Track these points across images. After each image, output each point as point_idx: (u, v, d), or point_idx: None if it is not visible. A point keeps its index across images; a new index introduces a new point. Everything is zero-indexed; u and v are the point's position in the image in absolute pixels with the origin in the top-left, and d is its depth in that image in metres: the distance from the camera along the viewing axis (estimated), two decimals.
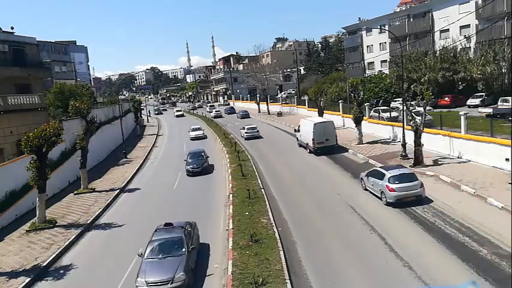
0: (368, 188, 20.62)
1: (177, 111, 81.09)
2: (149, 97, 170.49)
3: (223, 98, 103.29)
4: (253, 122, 51.55)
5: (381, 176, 19.39)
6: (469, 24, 47.76)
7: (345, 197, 20.59)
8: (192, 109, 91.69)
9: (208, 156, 31.11)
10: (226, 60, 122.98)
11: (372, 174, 20.44)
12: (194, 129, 47.82)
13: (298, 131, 34.75)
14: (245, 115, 62.26)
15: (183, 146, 42.34)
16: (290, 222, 18.10)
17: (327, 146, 30.30)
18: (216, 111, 71.19)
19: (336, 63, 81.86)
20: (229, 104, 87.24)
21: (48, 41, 57.99)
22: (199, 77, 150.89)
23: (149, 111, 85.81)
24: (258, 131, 43.02)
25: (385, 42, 61.90)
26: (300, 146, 34.11)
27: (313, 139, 30.34)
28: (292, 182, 24.74)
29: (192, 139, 45.67)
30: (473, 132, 23.79)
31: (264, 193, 22.06)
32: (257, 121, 55.91)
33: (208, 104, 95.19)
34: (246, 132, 42.73)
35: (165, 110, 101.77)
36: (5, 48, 33.32)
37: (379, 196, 19.34)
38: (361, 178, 21.64)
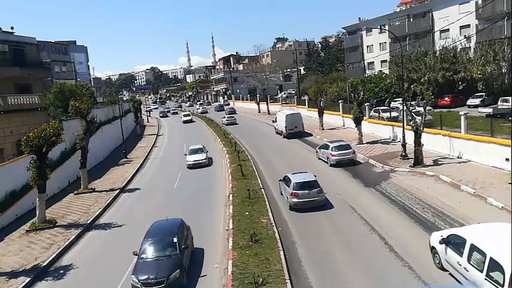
0: (320, 157, 28.79)
1: (185, 115, 69.45)
2: (149, 97, 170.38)
3: (224, 98, 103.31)
4: (238, 117, 62.66)
5: (326, 147, 27.71)
6: (469, 24, 47.81)
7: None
8: (178, 106, 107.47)
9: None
10: (226, 60, 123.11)
11: (322, 147, 29.12)
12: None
13: (275, 121, 43.65)
14: (232, 111, 71.14)
15: (183, 146, 42.39)
16: (289, 221, 18.12)
17: (295, 132, 39.16)
18: (202, 108, 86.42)
19: (336, 63, 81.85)
20: (224, 104, 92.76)
21: (48, 41, 57.98)
22: (199, 77, 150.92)
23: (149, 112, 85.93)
24: (235, 119, 58.50)
25: (385, 42, 61.94)
26: (277, 133, 42.72)
27: (285, 126, 39.39)
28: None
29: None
30: (473, 132, 23.79)
31: (264, 193, 22.06)
32: (254, 120, 59.36)
33: (198, 103, 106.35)
34: (226, 120, 58.41)
35: (176, 112, 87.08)
36: (5, 48, 33.34)
37: (326, 161, 27.35)
38: (316, 150, 29.99)
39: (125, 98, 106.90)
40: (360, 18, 71.95)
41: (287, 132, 39.16)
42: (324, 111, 42.05)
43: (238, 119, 60.63)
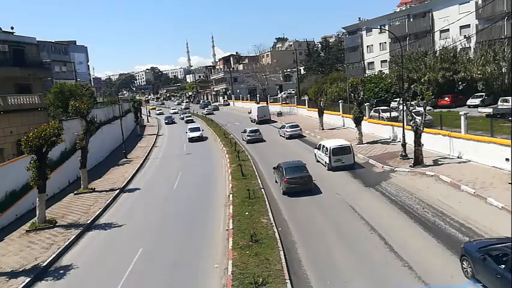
0: (281, 135, 40.85)
1: (192, 130, 46.70)
2: (150, 97, 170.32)
3: (223, 98, 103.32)
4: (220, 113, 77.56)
5: (283, 127, 41.17)
6: (469, 24, 47.79)
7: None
8: (161, 104, 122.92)
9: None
10: (226, 60, 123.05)
11: (281, 127, 42.62)
12: None
13: (250, 112, 59.10)
14: (215, 108, 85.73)
15: (183, 146, 42.42)
16: (289, 221, 18.12)
17: (264, 119, 53.35)
18: (185, 105, 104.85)
19: (336, 63, 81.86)
20: (224, 103, 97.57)
21: (48, 41, 57.99)
22: (199, 77, 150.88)
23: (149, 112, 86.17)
24: (213, 112, 76.66)
25: (385, 42, 61.92)
26: (251, 121, 55.40)
27: (257, 115, 53.80)
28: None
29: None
30: (473, 132, 23.79)
31: (264, 193, 22.06)
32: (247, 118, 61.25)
33: (184, 102, 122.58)
34: (205, 112, 78.03)
35: (190, 119, 65.54)
36: (5, 48, 33.30)
37: (282, 135, 40.44)
38: (279, 130, 42.11)
39: (126, 97, 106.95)
40: (360, 18, 71.96)
41: (259, 120, 53.37)
42: (324, 111, 42.06)
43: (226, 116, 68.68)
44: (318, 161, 28.05)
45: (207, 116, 72.25)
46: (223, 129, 49.54)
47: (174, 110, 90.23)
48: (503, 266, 10.60)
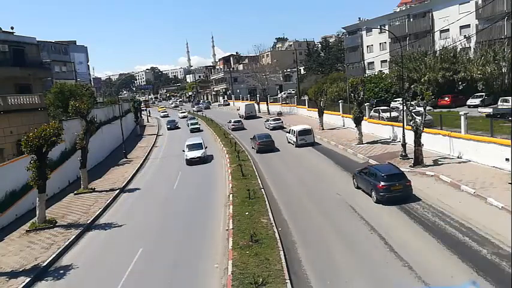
0: (266, 127, 47.71)
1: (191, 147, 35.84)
2: (151, 97, 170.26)
3: (224, 98, 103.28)
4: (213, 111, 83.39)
5: (268, 120, 49.43)
6: (469, 24, 47.80)
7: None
8: (197, 111, 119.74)
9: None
10: (226, 60, 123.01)
11: (266, 120, 50.46)
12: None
13: (239, 109, 67.37)
14: (206, 106, 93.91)
15: (183, 146, 42.33)
16: (289, 221, 18.12)
17: (251, 115, 61.36)
18: (174, 103, 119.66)
19: (336, 63, 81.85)
20: (224, 103, 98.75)
21: (48, 41, 57.96)
22: (199, 77, 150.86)
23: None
24: (203, 110, 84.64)
25: (385, 42, 61.93)
26: (240, 117, 59.50)
27: (245, 112, 62.21)
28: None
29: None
30: (473, 132, 23.78)
31: (264, 193, 22.06)
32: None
33: (177, 101, 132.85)
34: (196, 109, 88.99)
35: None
36: (5, 48, 33.30)
37: (267, 127, 47.20)
38: (264, 123, 49.52)
39: (127, 97, 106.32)
40: (360, 18, 71.96)
41: (246, 115, 60.94)
42: (324, 111, 42.07)
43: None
44: (289, 142, 36.52)
45: (197, 112, 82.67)
46: (223, 129, 49.61)
47: (183, 114, 78.91)
48: (365, 175, 20.15)
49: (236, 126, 50.74)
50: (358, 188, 21.38)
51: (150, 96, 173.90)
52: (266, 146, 34.08)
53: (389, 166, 20.57)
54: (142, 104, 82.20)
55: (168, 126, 61.14)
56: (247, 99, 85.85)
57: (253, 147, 35.72)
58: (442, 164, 23.72)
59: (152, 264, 15.44)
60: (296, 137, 34.57)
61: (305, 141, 34.47)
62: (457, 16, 46.06)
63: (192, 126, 53.63)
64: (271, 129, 45.23)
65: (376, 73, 56.67)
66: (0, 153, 27.75)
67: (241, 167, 26.52)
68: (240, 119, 55.40)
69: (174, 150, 40.94)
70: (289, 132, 37.12)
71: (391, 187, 18.39)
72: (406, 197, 18.61)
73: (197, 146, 33.50)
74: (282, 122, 47.53)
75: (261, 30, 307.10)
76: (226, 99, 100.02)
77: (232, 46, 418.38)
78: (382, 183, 18.51)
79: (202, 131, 52.49)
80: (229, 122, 52.54)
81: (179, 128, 60.59)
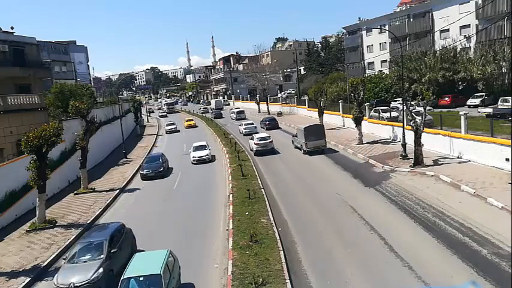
0: (241, 131, 47.08)
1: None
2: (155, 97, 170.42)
3: (223, 97, 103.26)
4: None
5: (242, 123, 49.58)
6: (469, 24, 47.80)
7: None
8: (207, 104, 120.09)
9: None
10: (226, 60, 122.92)
11: (243, 122, 50.00)
12: None
13: (210, 104, 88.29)
14: (184, 104, 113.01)
15: (183, 146, 42.35)
16: (289, 221, 18.11)
17: (240, 118, 60.27)
18: (165, 102, 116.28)
19: (336, 63, 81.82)
20: (224, 103, 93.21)
21: (48, 41, 57.99)
22: (199, 77, 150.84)
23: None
24: (174, 107, 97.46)
25: (385, 42, 61.93)
26: (232, 119, 63.42)
27: (215, 105, 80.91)
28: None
29: None
30: (473, 132, 23.77)
31: (264, 193, 22.06)
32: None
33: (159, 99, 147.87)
34: (181, 106, 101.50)
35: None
36: (5, 48, 33.25)
37: (232, 117, 63.12)
38: (238, 127, 49.75)
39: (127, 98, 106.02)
40: (360, 18, 72.09)
41: (236, 118, 62.30)
42: (324, 111, 42.02)
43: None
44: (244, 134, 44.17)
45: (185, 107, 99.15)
46: (223, 129, 49.61)
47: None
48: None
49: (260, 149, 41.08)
50: (296, 147, 32.80)
51: (151, 96, 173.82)
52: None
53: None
54: (157, 107, 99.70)
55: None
56: (247, 99, 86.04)
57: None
58: (442, 164, 23.71)
59: None
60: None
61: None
62: (457, 16, 46.04)
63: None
64: (244, 135, 44.50)
65: (376, 73, 56.68)
66: (0, 153, 27.74)
67: (241, 167, 26.51)
68: (216, 111, 72.15)
69: (174, 150, 40.93)
70: (245, 128, 45.73)
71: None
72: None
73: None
74: (256, 127, 45.69)
75: (261, 30, 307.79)
76: (226, 99, 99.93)
77: (232, 46, 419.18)
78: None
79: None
80: (211, 112, 73.33)
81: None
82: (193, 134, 49.96)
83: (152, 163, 30.73)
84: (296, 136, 33.20)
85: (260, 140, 33.45)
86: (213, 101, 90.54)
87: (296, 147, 33.20)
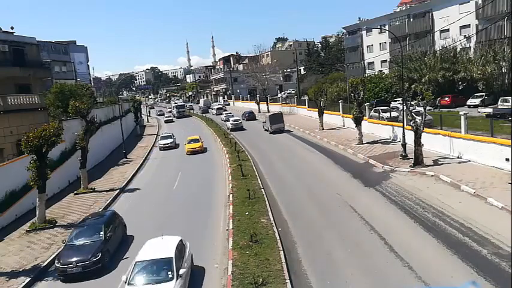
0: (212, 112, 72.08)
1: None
2: (155, 97, 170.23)
3: (223, 98, 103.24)
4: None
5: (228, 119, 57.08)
6: (469, 24, 47.79)
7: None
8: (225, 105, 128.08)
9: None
10: (226, 60, 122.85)
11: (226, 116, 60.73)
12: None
13: (199, 103, 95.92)
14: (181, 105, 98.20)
15: (183, 146, 42.33)
16: (289, 221, 18.11)
17: (220, 113, 68.75)
18: (175, 105, 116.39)
19: (336, 63, 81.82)
20: (224, 104, 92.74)
21: (48, 41, 57.97)
22: (199, 77, 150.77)
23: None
24: (185, 108, 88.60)
25: (385, 42, 61.92)
26: (199, 108, 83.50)
27: (203, 104, 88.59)
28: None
29: None
30: (473, 132, 23.76)
31: (264, 193, 22.05)
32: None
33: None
34: (175, 107, 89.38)
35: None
36: (5, 48, 33.28)
37: (213, 112, 75.38)
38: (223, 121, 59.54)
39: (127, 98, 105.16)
40: (360, 18, 72.04)
41: (204, 106, 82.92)
42: (324, 111, 42.06)
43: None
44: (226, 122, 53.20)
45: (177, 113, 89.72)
46: (224, 129, 49.66)
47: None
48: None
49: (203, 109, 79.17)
50: (266, 130, 43.64)
51: (150, 96, 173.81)
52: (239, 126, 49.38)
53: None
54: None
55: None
56: (247, 99, 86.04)
57: (228, 128, 48.36)
58: (442, 164, 23.71)
59: None
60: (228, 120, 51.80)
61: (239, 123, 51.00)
62: (457, 16, 46.03)
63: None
64: (230, 130, 49.24)
65: (376, 73, 56.67)
66: (0, 153, 27.74)
67: (241, 167, 26.50)
68: (204, 108, 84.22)
69: (174, 150, 40.97)
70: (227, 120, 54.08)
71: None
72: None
73: (168, 137, 43.46)
74: (241, 123, 52.14)
75: (261, 30, 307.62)
76: (226, 99, 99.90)
77: (232, 46, 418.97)
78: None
79: None
80: (200, 108, 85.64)
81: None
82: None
83: None
84: (265, 122, 45.56)
85: (234, 121, 51.17)
86: (201, 100, 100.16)
87: (265, 129, 45.10)
